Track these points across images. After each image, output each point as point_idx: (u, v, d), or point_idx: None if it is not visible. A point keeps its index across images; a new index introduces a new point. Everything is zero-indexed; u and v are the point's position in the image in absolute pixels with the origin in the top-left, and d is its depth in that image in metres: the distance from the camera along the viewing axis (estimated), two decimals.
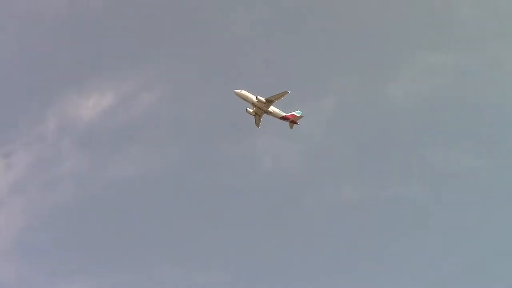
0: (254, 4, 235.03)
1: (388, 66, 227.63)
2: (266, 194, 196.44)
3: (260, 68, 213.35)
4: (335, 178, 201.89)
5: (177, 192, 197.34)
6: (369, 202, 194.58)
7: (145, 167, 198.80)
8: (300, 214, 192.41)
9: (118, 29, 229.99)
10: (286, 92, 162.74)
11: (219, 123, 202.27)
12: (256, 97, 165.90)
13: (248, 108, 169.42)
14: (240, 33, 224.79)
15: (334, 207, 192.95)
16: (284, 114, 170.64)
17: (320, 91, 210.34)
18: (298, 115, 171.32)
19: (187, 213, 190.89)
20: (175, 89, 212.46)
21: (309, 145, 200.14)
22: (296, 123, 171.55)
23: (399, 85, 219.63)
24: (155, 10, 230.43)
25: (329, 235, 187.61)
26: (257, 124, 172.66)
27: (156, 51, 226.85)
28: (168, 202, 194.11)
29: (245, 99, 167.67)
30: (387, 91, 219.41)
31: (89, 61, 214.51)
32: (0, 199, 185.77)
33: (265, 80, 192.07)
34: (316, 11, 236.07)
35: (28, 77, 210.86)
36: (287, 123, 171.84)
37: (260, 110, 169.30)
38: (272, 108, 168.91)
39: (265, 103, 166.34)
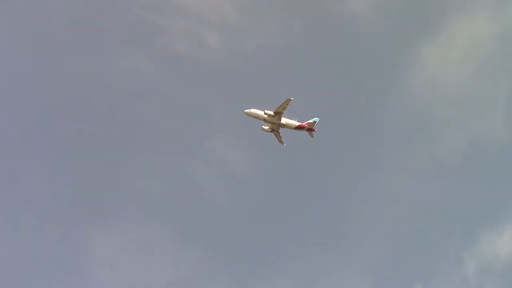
0: None
1: None
2: None
3: None
4: None
5: None
6: None
7: None
8: None
9: None
10: (289, 100, 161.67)
11: None
12: (264, 112, 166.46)
13: (263, 126, 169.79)
14: None
15: None
16: (298, 123, 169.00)
17: None
18: (313, 121, 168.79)
19: None
20: None
21: None
22: (313, 130, 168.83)
23: None
24: None
25: None
26: (280, 141, 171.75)
27: None
28: None
29: (256, 117, 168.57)
30: None
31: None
32: None
33: None
34: None
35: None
36: (306, 133, 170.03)
37: (275, 125, 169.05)
38: (284, 120, 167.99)
39: (274, 116, 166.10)
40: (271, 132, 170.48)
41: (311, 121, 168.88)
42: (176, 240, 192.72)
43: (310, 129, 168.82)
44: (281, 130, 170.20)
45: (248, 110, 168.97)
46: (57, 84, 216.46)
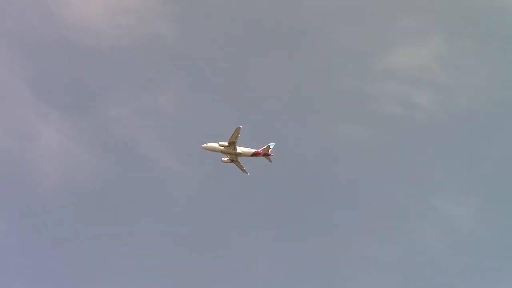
0: None
1: None
2: None
3: None
4: None
5: None
6: None
7: None
8: None
9: None
10: (238, 128, 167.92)
11: None
12: (219, 144, 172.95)
13: (222, 158, 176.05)
14: None
15: None
16: (253, 150, 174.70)
17: None
18: (268, 146, 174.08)
19: None
20: None
21: None
22: (269, 155, 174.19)
23: None
24: None
25: None
26: (243, 170, 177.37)
27: None
28: None
29: (213, 150, 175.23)
30: None
31: None
32: None
33: None
34: None
35: None
36: (264, 159, 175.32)
37: (233, 155, 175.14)
38: (240, 149, 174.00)
39: (229, 146, 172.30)
40: (231, 162, 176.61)
41: (265, 146, 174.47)
42: None
43: (266, 155, 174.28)
44: (240, 159, 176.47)
45: (205, 145, 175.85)
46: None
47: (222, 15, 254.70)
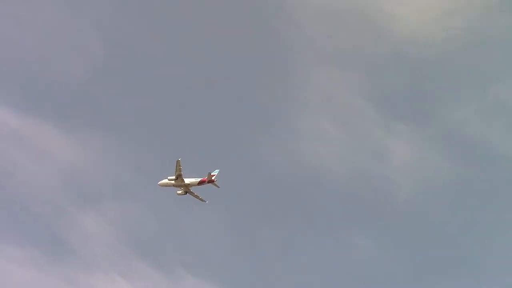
0: None
1: None
2: None
3: None
4: None
5: None
6: None
7: None
8: None
9: None
10: (178, 161, 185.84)
11: None
12: (168, 178, 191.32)
13: (177, 191, 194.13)
14: None
15: None
16: (199, 179, 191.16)
17: None
18: (213, 173, 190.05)
19: None
20: None
21: None
22: (214, 181, 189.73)
23: None
24: None
25: None
26: (199, 199, 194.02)
27: None
28: None
29: (167, 185, 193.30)
30: None
31: None
32: None
33: None
34: None
35: None
36: (212, 186, 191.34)
37: (185, 187, 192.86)
38: (188, 180, 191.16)
39: (177, 179, 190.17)
40: (185, 194, 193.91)
41: (210, 174, 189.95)
42: None
43: (210, 181, 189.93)
44: (192, 189, 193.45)
45: (160, 182, 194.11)
46: None
47: None
